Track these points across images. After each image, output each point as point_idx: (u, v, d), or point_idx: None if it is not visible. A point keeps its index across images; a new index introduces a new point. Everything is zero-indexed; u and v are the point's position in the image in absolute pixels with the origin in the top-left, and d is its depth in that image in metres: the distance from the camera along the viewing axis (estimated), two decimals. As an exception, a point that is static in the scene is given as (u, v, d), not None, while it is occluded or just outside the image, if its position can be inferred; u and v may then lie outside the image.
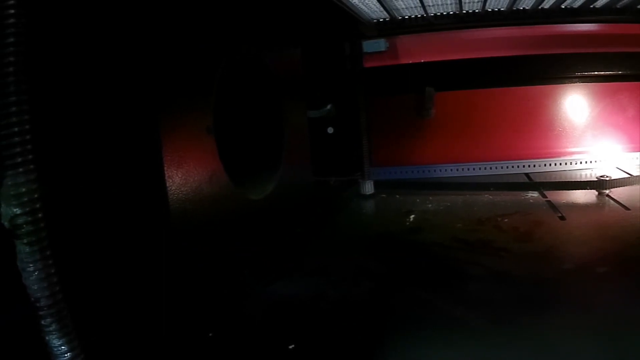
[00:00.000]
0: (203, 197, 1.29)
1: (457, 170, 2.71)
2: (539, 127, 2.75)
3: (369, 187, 2.47)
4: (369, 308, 1.26)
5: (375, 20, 2.57)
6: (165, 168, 1.14)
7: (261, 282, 1.42)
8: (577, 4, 2.48)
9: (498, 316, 1.15)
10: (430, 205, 2.16)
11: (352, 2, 2.13)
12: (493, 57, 2.68)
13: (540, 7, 2.50)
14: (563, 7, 2.50)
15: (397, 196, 2.37)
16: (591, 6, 2.49)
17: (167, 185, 1.15)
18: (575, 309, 1.16)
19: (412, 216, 2.00)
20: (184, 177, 1.21)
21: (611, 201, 2.03)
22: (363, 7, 2.27)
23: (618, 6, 2.48)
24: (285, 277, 1.47)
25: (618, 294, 1.22)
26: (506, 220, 1.87)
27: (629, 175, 2.38)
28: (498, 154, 2.73)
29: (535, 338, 1.04)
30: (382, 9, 2.35)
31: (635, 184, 2.25)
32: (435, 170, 2.71)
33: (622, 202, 1.97)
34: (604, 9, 2.52)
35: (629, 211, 1.87)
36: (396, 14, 2.51)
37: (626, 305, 1.15)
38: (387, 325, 1.16)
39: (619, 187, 2.18)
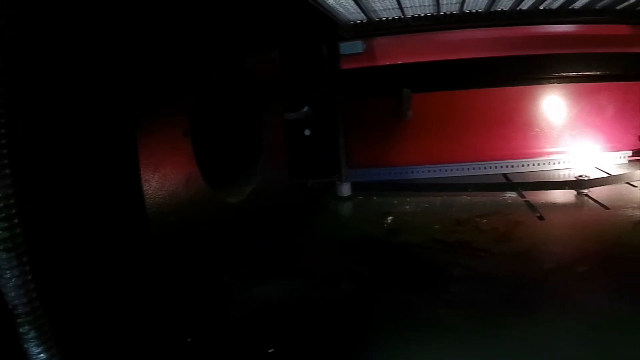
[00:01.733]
0: (180, 201, 1.27)
1: (435, 171, 2.70)
2: (516, 128, 2.76)
3: (346, 189, 2.45)
4: (351, 310, 1.25)
5: (352, 22, 2.57)
6: (141, 171, 1.13)
7: (241, 286, 1.41)
8: (555, 5, 2.48)
9: (480, 317, 1.14)
10: (408, 207, 2.14)
11: (330, 4, 2.12)
12: (471, 58, 2.68)
13: (518, 9, 2.51)
14: (542, 8, 2.50)
15: (375, 198, 2.35)
16: (570, 7, 2.50)
17: (144, 189, 1.13)
18: (556, 308, 1.15)
19: (390, 218, 1.99)
20: (161, 180, 1.20)
21: (590, 201, 2.03)
22: (340, 9, 2.26)
23: (597, 7, 2.48)
24: (265, 280, 1.46)
25: (599, 293, 1.21)
26: (485, 220, 1.86)
27: (608, 175, 2.38)
28: (476, 154, 2.73)
29: (517, 338, 1.03)
30: (359, 10, 2.34)
31: (614, 183, 2.25)
32: (412, 172, 2.70)
33: (601, 202, 1.97)
34: (583, 10, 2.53)
35: (609, 210, 1.87)
36: (373, 16, 2.50)
37: (607, 304, 1.15)
38: (369, 327, 1.15)
39: (597, 186, 2.18)
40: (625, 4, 2.44)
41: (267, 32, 2.04)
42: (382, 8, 2.37)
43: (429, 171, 2.70)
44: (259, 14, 1.83)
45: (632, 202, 1.95)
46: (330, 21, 2.26)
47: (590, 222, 1.79)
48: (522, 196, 2.17)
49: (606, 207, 1.90)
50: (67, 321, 0.85)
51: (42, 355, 0.67)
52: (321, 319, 1.21)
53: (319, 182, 2.59)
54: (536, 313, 1.13)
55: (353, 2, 2.17)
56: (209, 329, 1.20)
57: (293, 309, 1.28)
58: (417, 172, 2.70)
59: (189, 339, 1.13)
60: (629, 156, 2.72)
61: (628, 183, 2.27)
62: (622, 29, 2.70)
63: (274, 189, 2.02)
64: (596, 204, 1.97)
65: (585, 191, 2.11)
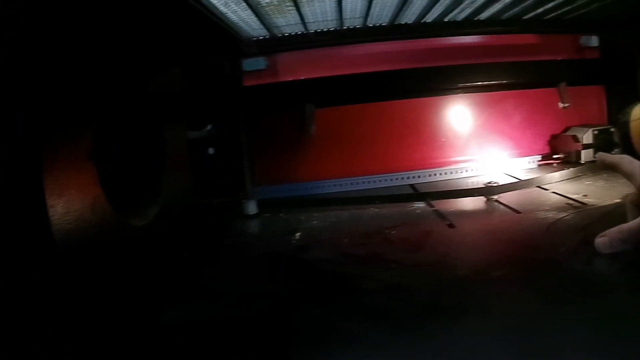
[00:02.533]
0: (87, 226, 1.22)
1: (342, 185, 2.66)
2: (423, 139, 2.76)
3: (252, 207, 2.38)
4: (265, 330, 1.20)
5: (255, 39, 2.53)
6: (47, 197, 1.07)
7: (152, 311, 1.35)
8: (461, 17, 2.48)
9: (398, 327, 1.09)
10: (315, 222, 2.09)
11: (232, 20, 2.08)
12: (374, 71, 2.69)
13: (423, 21, 2.50)
14: (446, 20, 2.51)
15: (282, 215, 2.29)
16: (475, 19, 2.50)
17: (50, 214, 1.07)
18: (474, 314, 1.10)
19: (299, 234, 1.93)
20: (66, 205, 1.14)
21: (501, 206, 2.00)
22: (243, 25, 2.21)
23: (503, 18, 2.50)
24: (176, 304, 1.40)
25: (516, 296, 1.18)
26: (394, 232, 1.80)
27: (518, 180, 2.38)
28: (382, 166, 2.72)
29: (435, 344, 0.99)
30: (262, 26, 2.29)
31: (524, 187, 2.25)
32: (319, 187, 2.66)
33: (512, 206, 1.94)
34: (489, 21, 2.54)
35: (520, 214, 1.84)
36: (276, 32, 2.46)
37: (525, 307, 1.12)
38: (286, 346, 1.11)
39: (507, 192, 2.17)
40: (532, 14, 2.45)
41: (169, 50, 2.00)
42: (285, 23, 2.32)
43: (335, 185, 2.66)
44: (160, 32, 1.79)
45: (544, 204, 1.93)
46: (233, 38, 2.22)
47: (502, 226, 1.76)
48: (431, 206, 2.12)
49: (517, 212, 1.87)
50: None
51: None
52: (235, 339, 1.16)
53: (224, 201, 2.55)
54: (453, 319, 1.09)
55: (255, 17, 2.13)
56: (130, 355, 1.14)
57: (207, 332, 1.22)
58: (324, 186, 2.66)
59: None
60: (539, 161, 2.77)
61: (539, 187, 2.27)
62: (528, 38, 2.76)
63: (180, 209, 1.97)
64: (507, 209, 1.94)
65: (495, 197, 2.09)
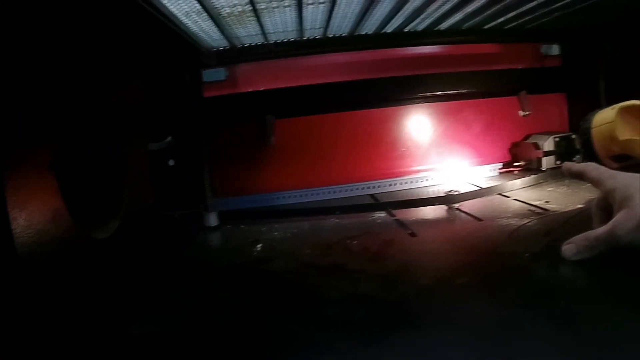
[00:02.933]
0: (49, 239, 1.20)
1: (302, 196, 2.64)
2: (383, 148, 2.77)
3: (213, 219, 2.35)
4: (228, 342, 1.19)
5: (215, 49, 2.53)
6: (9, 210, 1.05)
7: (116, 325, 1.33)
8: (421, 27, 2.49)
9: (362, 336, 1.08)
10: (276, 233, 2.06)
11: (193, 30, 2.07)
12: (334, 82, 2.69)
13: (383, 32, 2.51)
14: (407, 30, 2.51)
15: (243, 226, 2.27)
16: (436, 29, 2.51)
17: (12, 227, 1.06)
18: (439, 321, 1.10)
19: (260, 245, 1.91)
20: (29, 218, 1.12)
21: (462, 214, 1.99)
22: (203, 35, 2.20)
23: (464, 28, 2.51)
24: (140, 318, 1.38)
25: (480, 303, 1.18)
26: (355, 242, 1.78)
27: (479, 188, 2.38)
28: (342, 177, 2.71)
29: (402, 354, 0.99)
30: (222, 37, 2.27)
31: (485, 195, 2.26)
32: (280, 198, 2.64)
33: (473, 214, 1.94)
34: (449, 31, 2.55)
35: (482, 222, 1.84)
36: (237, 42, 2.46)
37: (489, 313, 1.11)
38: (249, 357, 1.10)
39: (468, 200, 2.17)
40: (493, 23, 2.47)
41: (129, 61, 1.99)
42: (245, 34, 2.32)
43: (295, 196, 2.64)
44: (121, 43, 1.77)
45: (505, 212, 1.93)
46: (193, 48, 2.22)
47: (464, 234, 1.75)
48: (392, 215, 2.11)
49: (479, 219, 1.87)
50: None
51: None
52: (196, 352, 1.15)
53: (185, 213, 2.53)
54: (417, 328, 1.08)
55: (216, 28, 2.12)
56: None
57: (173, 344, 1.21)
58: (285, 197, 2.64)
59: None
60: (500, 168, 2.78)
61: (500, 194, 2.28)
62: (489, 48, 2.77)
63: (141, 221, 1.95)
64: (469, 217, 1.93)
65: (457, 205, 2.09)
